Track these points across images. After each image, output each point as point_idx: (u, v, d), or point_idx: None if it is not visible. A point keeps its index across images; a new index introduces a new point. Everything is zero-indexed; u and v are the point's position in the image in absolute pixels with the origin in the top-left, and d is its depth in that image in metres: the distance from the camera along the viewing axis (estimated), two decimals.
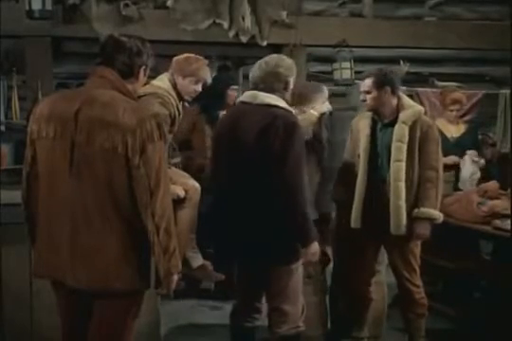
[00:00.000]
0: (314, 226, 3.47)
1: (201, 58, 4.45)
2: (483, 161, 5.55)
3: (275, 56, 3.68)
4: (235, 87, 5.39)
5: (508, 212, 4.51)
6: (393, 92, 4.08)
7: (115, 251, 2.74)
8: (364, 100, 4.09)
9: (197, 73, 4.37)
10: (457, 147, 5.57)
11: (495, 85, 7.77)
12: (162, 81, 4.36)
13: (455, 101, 5.79)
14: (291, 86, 3.58)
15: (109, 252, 2.74)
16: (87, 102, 2.74)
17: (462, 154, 5.52)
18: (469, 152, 5.53)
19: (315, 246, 3.47)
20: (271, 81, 3.53)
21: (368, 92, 4.06)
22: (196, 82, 4.38)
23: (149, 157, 2.70)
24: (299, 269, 3.60)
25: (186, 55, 4.48)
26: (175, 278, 2.84)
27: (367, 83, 4.06)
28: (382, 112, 4.10)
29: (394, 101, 4.09)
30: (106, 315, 2.84)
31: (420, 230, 4.04)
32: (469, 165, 5.42)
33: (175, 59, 4.47)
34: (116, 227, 2.74)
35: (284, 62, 3.57)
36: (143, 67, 2.91)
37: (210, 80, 4.45)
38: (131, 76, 2.88)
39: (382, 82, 4.05)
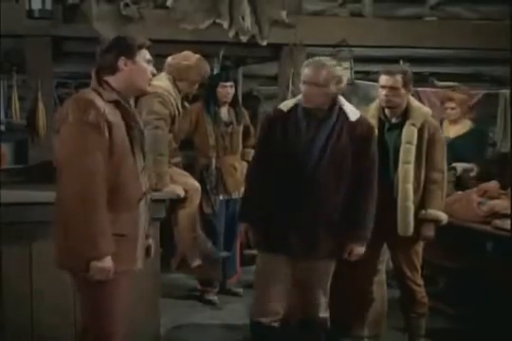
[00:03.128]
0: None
1: (195, 57, 4.45)
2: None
3: None
4: (226, 84, 5.37)
5: (508, 212, 4.51)
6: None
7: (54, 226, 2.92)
8: (387, 95, 4.01)
9: (193, 74, 4.38)
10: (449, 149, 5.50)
11: (495, 85, 7.77)
12: (162, 81, 4.38)
13: (449, 99, 5.79)
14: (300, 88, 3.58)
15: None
16: None
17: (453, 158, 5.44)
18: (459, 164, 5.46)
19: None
20: None
21: (396, 88, 3.99)
22: (195, 82, 4.41)
23: (61, 138, 2.85)
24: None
25: (180, 55, 4.48)
26: (97, 265, 2.84)
27: (397, 80, 3.99)
28: (395, 111, 4.08)
29: (406, 102, 4.08)
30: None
31: (426, 232, 4.05)
32: None
33: (170, 61, 4.47)
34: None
35: None
36: (121, 58, 2.96)
37: (207, 75, 4.47)
38: (114, 70, 2.97)
39: (409, 81, 4.03)
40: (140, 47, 3.00)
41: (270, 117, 3.69)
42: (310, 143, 3.50)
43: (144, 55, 3.02)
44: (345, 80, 3.58)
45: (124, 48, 2.97)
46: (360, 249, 3.65)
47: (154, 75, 3.08)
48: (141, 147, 3.06)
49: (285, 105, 3.67)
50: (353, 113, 3.59)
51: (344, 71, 3.61)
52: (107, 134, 2.85)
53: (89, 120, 2.80)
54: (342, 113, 3.57)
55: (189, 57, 4.51)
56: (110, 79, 2.97)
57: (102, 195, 2.83)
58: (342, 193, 3.57)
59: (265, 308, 3.69)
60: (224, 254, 5.22)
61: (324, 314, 3.75)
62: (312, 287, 3.67)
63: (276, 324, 3.72)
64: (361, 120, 3.61)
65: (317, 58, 3.60)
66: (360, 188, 3.60)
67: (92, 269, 2.83)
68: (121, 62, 2.96)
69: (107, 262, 2.85)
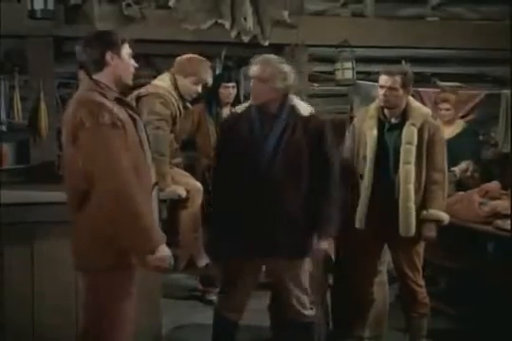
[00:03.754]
0: None
1: (203, 59, 4.47)
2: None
3: None
4: (228, 85, 5.36)
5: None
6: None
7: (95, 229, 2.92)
8: (385, 95, 4.02)
9: (198, 73, 4.38)
10: None
11: (497, 85, 7.76)
12: (164, 81, 4.38)
13: (443, 100, 5.78)
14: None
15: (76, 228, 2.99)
16: None
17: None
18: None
19: None
20: None
21: (394, 89, 4.00)
22: (197, 83, 4.40)
23: (82, 144, 2.86)
24: None
25: (189, 55, 4.50)
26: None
27: (396, 81, 4.00)
28: (394, 111, 4.08)
29: (405, 102, 4.08)
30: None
31: (428, 232, 4.05)
32: None
33: (178, 59, 4.49)
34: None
35: None
36: (108, 53, 2.99)
37: (210, 81, 4.46)
38: (102, 66, 3.00)
39: (409, 82, 4.03)
40: (123, 42, 3.04)
41: (225, 121, 3.80)
42: (264, 141, 3.54)
43: (127, 49, 3.06)
44: (292, 76, 3.57)
45: (110, 43, 3.00)
46: (323, 244, 3.63)
47: (136, 69, 3.12)
48: (147, 139, 3.11)
49: (240, 108, 3.73)
50: (304, 108, 3.62)
51: (289, 67, 3.59)
52: (123, 131, 2.89)
53: (106, 122, 2.84)
54: (294, 109, 3.59)
55: (192, 55, 4.52)
56: (99, 76, 2.99)
57: (139, 189, 2.86)
58: (303, 190, 3.57)
59: (233, 305, 3.75)
60: None
61: (310, 312, 3.75)
62: (288, 287, 3.67)
63: (239, 321, 3.82)
64: (314, 115, 3.64)
65: (264, 55, 3.63)
66: (321, 184, 3.60)
67: (152, 261, 2.87)
68: (108, 56, 2.99)
69: (164, 250, 2.90)
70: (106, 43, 3.00)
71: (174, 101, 4.33)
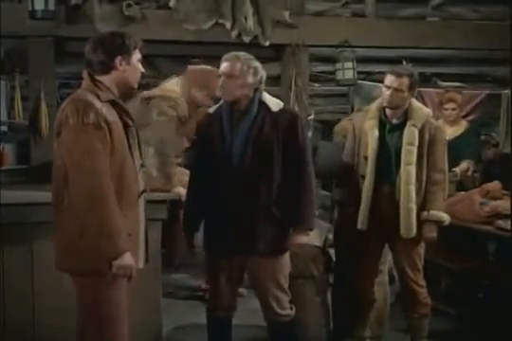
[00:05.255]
0: None
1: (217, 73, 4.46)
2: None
3: None
4: None
5: None
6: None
7: (68, 230, 2.89)
8: (391, 96, 3.99)
9: (212, 89, 4.35)
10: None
11: (498, 85, 7.76)
12: (173, 86, 4.40)
13: (449, 100, 5.77)
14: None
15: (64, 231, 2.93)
16: None
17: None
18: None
19: None
20: None
21: (400, 90, 3.98)
22: (209, 97, 4.39)
23: (63, 141, 2.86)
24: None
25: (205, 69, 4.47)
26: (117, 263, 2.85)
27: (403, 82, 3.97)
28: (396, 112, 4.06)
29: (408, 103, 4.07)
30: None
31: (429, 233, 4.03)
32: None
33: (192, 69, 4.46)
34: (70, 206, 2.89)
35: None
36: (118, 58, 2.97)
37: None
38: (109, 69, 2.98)
39: (415, 84, 4.02)
40: (135, 47, 3.02)
41: (200, 121, 3.78)
42: (235, 138, 3.55)
43: (137, 55, 3.04)
44: (262, 72, 3.59)
45: (122, 48, 2.98)
46: (302, 238, 3.61)
47: (142, 74, 3.11)
48: (138, 144, 3.08)
49: (212, 108, 3.76)
50: (274, 104, 3.62)
51: (258, 63, 3.60)
52: (108, 133, 2.87)
53: (90, 122, 2.82)
54: (263, 104, 3.59)
55: (207, 69, 4.50)
56: (103, 78, 2.98)
57: (112, 193, 2.84)
58: (276, 185, 3.56)
59: (221, 303, 3.75)
60: None
61: (288, 312, 3.73)
62: (267, 285, 3.66)
63: (231, 318, 3.83)
64: (284, 111, 3.64)
65: (232, 52, 3.63)
66: (296, 178, 3.58)
67: (114, 268, 2.84)
68: (117, 61, 2.97)
69: (128, 259, 2.87)
70: (118, 47, 2.97)
71: (182, 104, 4.33)
